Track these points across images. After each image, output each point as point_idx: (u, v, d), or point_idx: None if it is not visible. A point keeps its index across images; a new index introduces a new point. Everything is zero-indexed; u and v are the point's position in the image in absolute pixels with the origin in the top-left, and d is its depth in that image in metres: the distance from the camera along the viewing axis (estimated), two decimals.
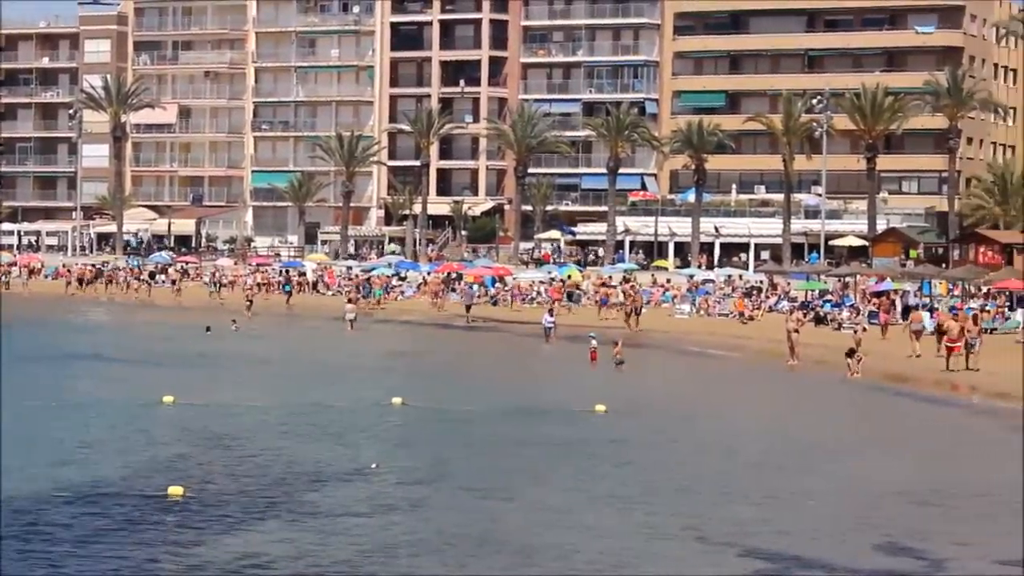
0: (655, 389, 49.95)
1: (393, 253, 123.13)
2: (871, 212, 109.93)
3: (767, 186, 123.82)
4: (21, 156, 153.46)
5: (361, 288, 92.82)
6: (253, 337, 68.79)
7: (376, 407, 41.24)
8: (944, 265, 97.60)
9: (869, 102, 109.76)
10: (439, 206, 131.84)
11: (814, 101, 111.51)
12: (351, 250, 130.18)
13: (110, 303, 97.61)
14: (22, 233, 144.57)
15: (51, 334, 67.65)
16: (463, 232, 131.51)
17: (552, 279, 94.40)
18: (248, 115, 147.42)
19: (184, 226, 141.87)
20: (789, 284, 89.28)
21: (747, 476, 31.06)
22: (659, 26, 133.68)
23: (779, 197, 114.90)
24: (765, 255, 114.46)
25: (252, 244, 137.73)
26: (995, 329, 65.04)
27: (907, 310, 69.77)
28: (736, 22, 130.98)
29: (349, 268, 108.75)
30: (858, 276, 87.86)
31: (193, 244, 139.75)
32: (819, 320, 73.72)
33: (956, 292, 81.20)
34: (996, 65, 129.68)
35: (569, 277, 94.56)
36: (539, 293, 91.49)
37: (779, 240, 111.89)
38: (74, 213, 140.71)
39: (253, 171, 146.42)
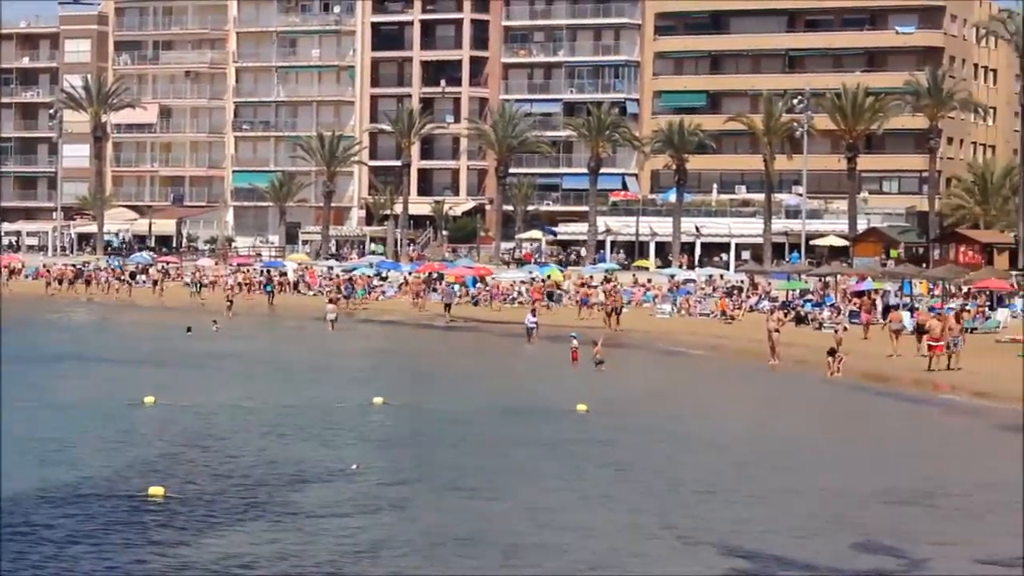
0: (637, 389, 49.93)
1: (374, 253, 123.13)
2: (852, 212, 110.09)
3: (748, 186, 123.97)
4: (1, 156, 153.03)
5: (344, 288, 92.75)
6: (234, 337, 68.69)
7: (358, 407, 41.21)
8: (925, 265, 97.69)
9: (850, 102, 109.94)
10: (420, 206, 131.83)
11: (795, 101, 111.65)
12: (332, 250, 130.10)
13: (90, 303, 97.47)
14: (2, 233, 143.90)
15: (32, 335, 67.44)
16: (444, 232, 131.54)
17: (533, 279, 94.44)
18: (229, 115, 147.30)
19: (165, 226, 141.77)
20: (770, 284, 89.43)
21: (728, 475, 31.06)
22: (640, 26, 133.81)
23: (760, 197, 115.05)
24: (746, 255, 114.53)
25: (233, 244, 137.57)
26: (975, 329, 65.17)
27: (887, 310, 69.94)
28: (717, 22, 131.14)
29: (330, 268, 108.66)
30: (839, 276, 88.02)
31: (174, 244, 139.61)
32: (800, 320, 73.81)
33: (937, 292, 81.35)
34: (976, 65, 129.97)
35: (549, 277, 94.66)
36: (520, 293, 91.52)
37: (760, 240, 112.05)
38: (54, 213, 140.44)
39: (234, 171, 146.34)
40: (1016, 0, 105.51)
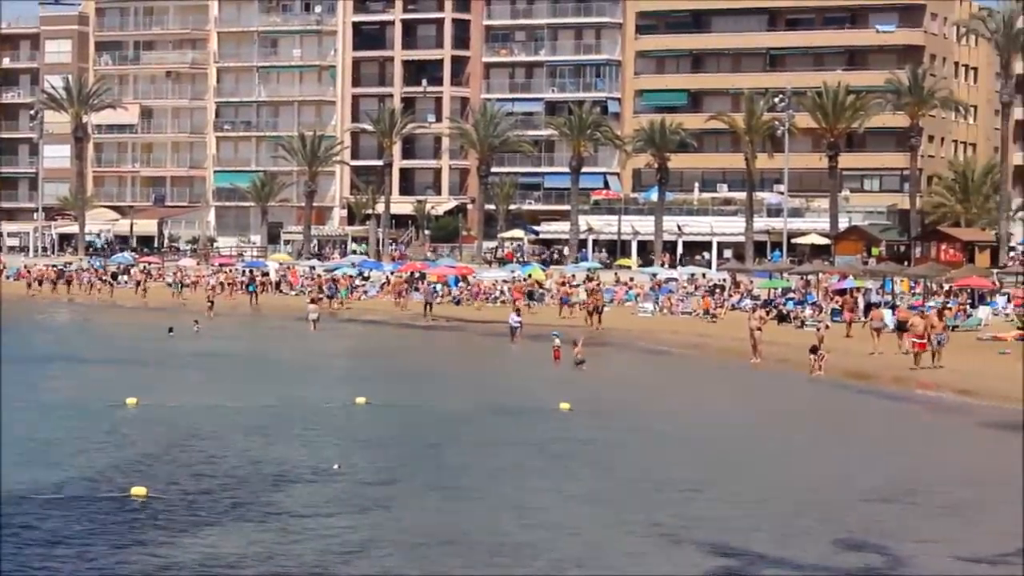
0: (619, 387, 49.96)
1: (356, 253, 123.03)
2: (833, 210, 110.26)
3: (729, 184, 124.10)
4: None
5: (327, 288, 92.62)
6: (216, 338, 68.56)
7: (341, 407, 41.16)
8: (906, 263, 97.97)
9: (831, 101, 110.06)
10: (402, 205, 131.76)
11: (776, 100, 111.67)
12: (314, 250, 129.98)
13: (72, 304, 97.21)
14: None
15: (13, 335, 67.19)
16: (426, 231, 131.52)
17: (515, 278, 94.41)
18: (210, 115, 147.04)
19: (146, 226, 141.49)
20: (752, 282, 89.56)
21: (711, 474, 31.09)
22: (621, 25, 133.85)
23: (741, 195, 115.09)
24: (728, 253, 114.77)
25: (215, 244, 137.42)
26: (957, 326, 65.28)
27: (869, 308, 70.07)
28: (698, 21, 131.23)
29: (312, 268, 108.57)
30: (820, 274, 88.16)
31: (156, 244, 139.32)
32: (782, 318, 73.89)
33: (918, 290, 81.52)
34: (957, 64, 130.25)
35: (530, 276, 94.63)
36: (502, 292, 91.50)
37: (742, 238, 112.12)
38: (36, 214, 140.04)
39: (215, 171, 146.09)
40: None
